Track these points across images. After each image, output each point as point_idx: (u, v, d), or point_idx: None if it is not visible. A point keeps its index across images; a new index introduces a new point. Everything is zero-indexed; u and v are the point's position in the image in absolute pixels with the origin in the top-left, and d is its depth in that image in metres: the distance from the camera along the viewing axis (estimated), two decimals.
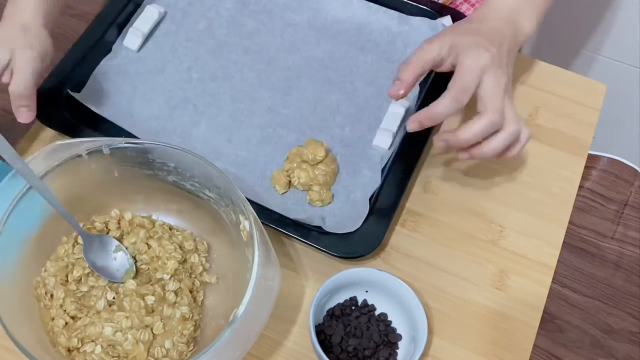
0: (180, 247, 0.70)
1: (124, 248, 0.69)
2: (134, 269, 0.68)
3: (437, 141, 0.71)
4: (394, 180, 0.75)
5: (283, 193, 0.76)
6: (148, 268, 0.69)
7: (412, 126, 0.70)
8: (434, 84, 0.80)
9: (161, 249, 0.70)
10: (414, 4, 0.87)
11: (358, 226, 0.72)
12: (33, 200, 0.64)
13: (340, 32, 0.87)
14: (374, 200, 0.74)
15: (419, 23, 0.86)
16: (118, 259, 0.68)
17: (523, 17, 0.75)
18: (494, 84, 0.68)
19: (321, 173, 0.75)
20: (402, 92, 0.70)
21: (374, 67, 0.84)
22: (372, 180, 0.76)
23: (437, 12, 0.86)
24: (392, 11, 0.87)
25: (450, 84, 0.69)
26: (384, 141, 0.78)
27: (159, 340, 0.64)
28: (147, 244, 0.70)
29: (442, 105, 0.68)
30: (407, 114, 0.80)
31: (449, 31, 0.73)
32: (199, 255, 0.70)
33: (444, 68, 0.71)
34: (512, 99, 0.70)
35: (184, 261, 0.69)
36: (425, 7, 0.87)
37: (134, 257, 0.69)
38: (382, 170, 0.77)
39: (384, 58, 0.85)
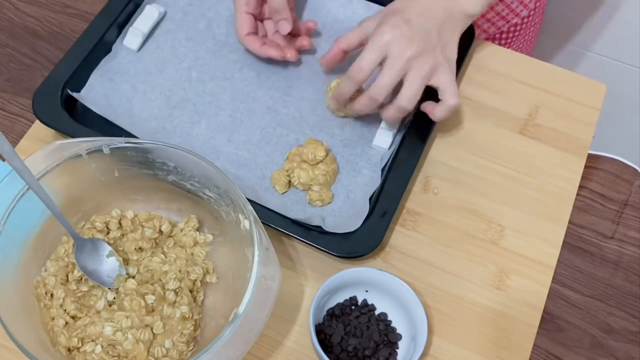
0: (181, 246, 0.70)
1: (116, 254, 0.68)
2: (125, 276, 0.68)
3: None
4: (393, 180, 0.75)
5: (283, 193, 0.76)
6: (148, 267, 0.69)
7: (331, 103, 0.79)
8: None
9: (162, 248, 0.70)
10: None
11: (358, 226, 0.72)
12: (33, 200, 0.64)
13: (340, 31, 0.87)
14: (374, 200, 0.74)
15: None
16: (109, 264, 0.68)
17: None
18: (397, 60, 0.71)
19: (321, 173, 0.75)
20: (324, 62, 0.79)
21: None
22: (372, 180, 0.76)
23: None
24: None
25: (353, 64, 0.73)
26: (384, 141, 0.78)
27: (159, 340, 0.64)
28: (149, 241, 0.70)
29: (344, 87, 0.75)
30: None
31: (383, 11, 0.77)
32: (199, 254, 0.70)
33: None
34: (447, 66, 0.74)
35: (185, 260, 0.69)
36: None
37: (135, 258, 0.69)
38: (382, 170, 0.77)
39: None
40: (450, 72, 0.74)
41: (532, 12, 1.00)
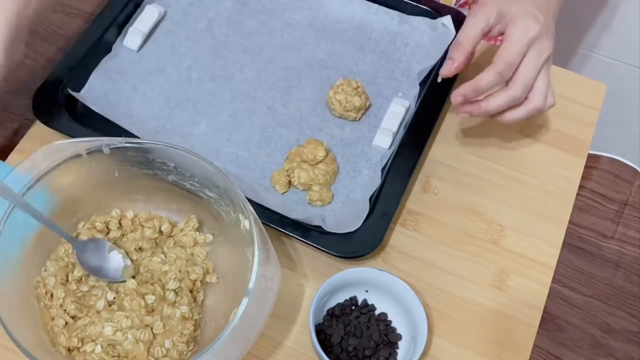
0: (181, 246, 0.70)
1: (117, 247, 0.69)
2: (132, 266, 0.68)
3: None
4: (394, 180, 0.75)
5: (283, 193, 0.76)
6: (148, 267, 0.69)
7: (457, 99, 0.72)
8: (434, 82, 0.79)
9: (162, 248, 0.70)
10: (414, 3, 0.87)
11: (358, 226, 0.72)
12: (33, 200, 0.64)
13: (340, 31, 0.87)
14: (374, 200, 0.74)
15: (419, 23, 0.86)
16: (114, 259, 0.68)
17: None
18: (534, 59, 0.69)
19: (321, 173, 0.75)
20: (453, 71, 0.72)
21: (374, 66, 0.84)
22: (372, 180, 0.76)
23: (437, 12, 0.86)
24: (391, 11, 0.87)
25: (496, 57, 0.69)
26: (384, 141, 0.78)
27: (159, 340, 0.64)
28: (149, 241, 0.70)
29: (486, 80, 0.70)
30: (407, 113, 0.80)
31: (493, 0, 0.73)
32: (199, 254, 0.70)
33: (493, 34, 0.72)
34: (550, 65, 0.72)
35: (185, 260, 0.69)
36: (425, 7, 0.87)
37: (135, 258, 0.69)
38: (382, 170, 0.77)
39: (383, 58, 0.85)
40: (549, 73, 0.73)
41: None
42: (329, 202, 0.75)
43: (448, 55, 0.73)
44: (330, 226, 0.72)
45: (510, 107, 0.72)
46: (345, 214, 0.74)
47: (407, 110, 0.80)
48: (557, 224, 0.76)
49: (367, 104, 0.81)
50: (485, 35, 0.72)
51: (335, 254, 0.71)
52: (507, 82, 0.71)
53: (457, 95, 0.72)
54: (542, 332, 0.75)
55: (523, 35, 0.69)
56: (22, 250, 0.66)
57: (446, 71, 0.73)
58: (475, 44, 0.72)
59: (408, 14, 0.87)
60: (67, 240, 0.67)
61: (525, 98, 0.72)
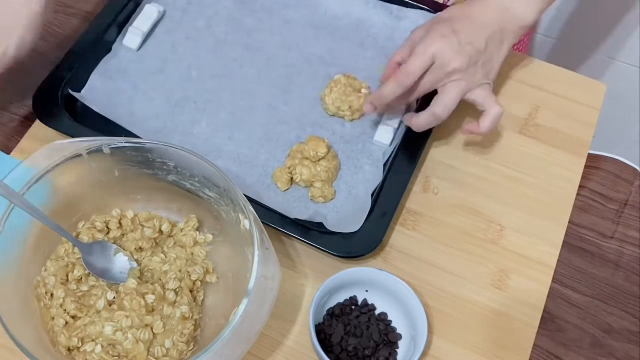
0: (181, 246, 0.70)
1: (122, 250, 0.69)
2: (138, 268, 0.68)
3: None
4: (394, 180, 0.75)
5: (285, 190, 0.76)
6: (148, 267, 0.69)
7: (367, 108, 0.76)
8: None
9: (163, 248, 0.70)
10: (413, 2, 0.87)
11: (361, 224, 0.72)
12: (33, 200, 0.64)
13: (339, 28, 0.87)
14: (374, 200, 0.74)
15: (418, 18, 0.86)
16: (119, 262, 0.68)
17: (518, 2, 0.75)
18: (435, 71, 0.71)
19: (323, 170, 0.75)
20: (374, 110, 0.76)
21: (374, 63, 0.84)
22: (374, 176, 0.76)
23: (435, 10, 0.86)
24: (390, 6, 0.87)
25: (400, 68, 0.72)
26: (385, 137, 0.78)
27: (159, 340, 0.64)
28: (149, 241, 0.70)
29: (387, 89, 0.73)
30: (409, 109, 0.80)
31: (431, 20, 0.76)
32: (200, 254, 0.70)
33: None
34: (486, 82, 0.74)
35: (185, 260, 0.69)
36: (423, 7, 0.86)
37: (135, 258, 0.69)
38: (384, 166, 0.77)
39: (383, 54, 0.85)
40: (488, 88, 0.75)
41: None
42: (332, 199, 0.75)
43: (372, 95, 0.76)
44: (332, 224, 0.72)
45: (417, 114, 0.75)
46: (347, 210, 0.74)
47: (409, 106, 0.80)
48: (557, 224, 0.76)
49: None
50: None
51: (336, 253, 0.71)
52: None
53: (368, 103, 0.76)
54: (542, 332, 0.75)
55: (424, 48, 0.71)
56: (22, 250, 0.66)
57: (366, 109, 0.77)
58: (404, 59, 0.74)
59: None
60: (73, 243, 0.67)
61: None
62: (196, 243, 0.71)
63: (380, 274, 0.69)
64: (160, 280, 0.68)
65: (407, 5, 0.87)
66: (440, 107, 0.73)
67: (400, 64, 0.76)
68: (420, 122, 0.75)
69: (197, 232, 0.71)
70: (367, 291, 0.71)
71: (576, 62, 1.46)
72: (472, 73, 0.72)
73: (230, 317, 0.59)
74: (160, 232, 0.71)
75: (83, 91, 0.80)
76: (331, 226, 0.72)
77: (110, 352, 0.63)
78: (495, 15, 0.74)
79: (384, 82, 0.75)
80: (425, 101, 0.77)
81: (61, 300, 0.66)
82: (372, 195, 0.75)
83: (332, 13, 0.88)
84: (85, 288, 0.67)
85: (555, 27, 1.41)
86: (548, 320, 0.80)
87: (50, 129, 0.77)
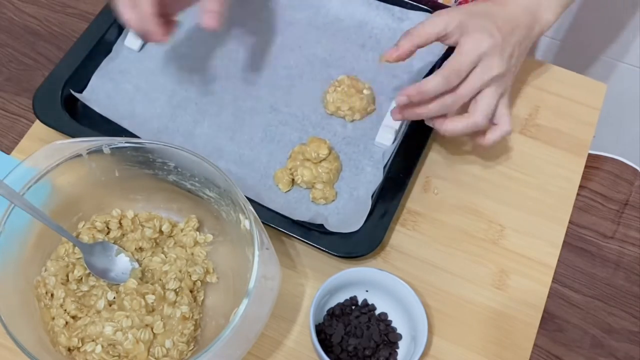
0: (182, 246, 0.70)
1: (124, 250, 0.69)
2: (140, 268, 0.68)
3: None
4: (394, 180, 0.75)
5: (286, 191, 0.76)
6: (149, 267, 0.69)
7: (401, 99, 0.70)
8: None
9: (163, 248, 0.70)
10: (414, 3, 0.87)
11: (361, 224, 0.72)
12: (33, 200, 0.64)
13: (341, 29, 0.87)
14: (374, 200, 0.74)
15: (419, 19, 0.86)
16: (121, 262, 0.68)
17: (544, 7, 0.73)
18: (481, 73, 0.68)
19: (324, 171, 0.75)
20: (395, 56, 0.69)
21: (375, 64, 0.84)
22: (375, 177, 0.76)
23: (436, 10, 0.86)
24: (392, 7, 0.87)
25: (445, 63, 0.69)
26: (387, 138, 0.78)
27: (159, 340, 0.64)
28: (149, 241, 0.70)
29: (432, 83, 0.68)
30: None
31: (462, 8, 0.71)
32: (200, 254, 0.70)
33: (448, 43, 0.71)
34: (509, 91, 0.71)
35: (185, 260, 0.69)
36: (424, 7, 0.87)
37: (136, 258, 0.69)
38: (385, 167, 0.77)
39: None
40: (508, 99, 0.72)
41: None
42: (333, 200, 0.75)
43: (396, 42, 0.70)
44: (333, 225, 0.72)
45: (452, 118, 0.71)
46: (348, 211, 0.74)
47: None
48: (557, 224, 0.76)
49: (370, 108, 0.81)
50: (440, 39, 0.70)
51: (336, 254, 0.71)
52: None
53: (402, 95, 0.70)
54: (542, 332, 0.75)
55: (475, 47, 0.67)
56: (22, 250, 0.66)
57: (387, 55, 0.70)
58: (426, 42, 0.70)
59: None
60: (74, 243, 0.67)
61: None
62: (196, 243, 0.71)
63: (380, 274, 0.69)
64: (160, 280, 0.68)
65: (409, 6, 0.87)
66: (481, 116, 0.70)
67: (420, 47, 0.70)
68: (457, 128, 0.71)
69: (197, 232, 0.71)
70: (367, 291, 0.71)
71: (576, 62, 1.46)
72: (506, 80, 0.70)
73: (230, 317, 0.59)
74: (160, 232, 0.71)
75: (85, 92, 0.80)
76: (332, 227, 0.72)
77: (110, 352, 0.63)
78: (523, 20, 0.71)
79: (387, 60, 0.70)
80: None
81: (61, 300, 0.66)
82: (372, 195, 0.75)
83: (333, 14, 0.88)
84: (85, 288, 0.67)
85: (555, 27, 1.41)
86: (548, 320, 0.80)
87: (50, 129, 0.77)
